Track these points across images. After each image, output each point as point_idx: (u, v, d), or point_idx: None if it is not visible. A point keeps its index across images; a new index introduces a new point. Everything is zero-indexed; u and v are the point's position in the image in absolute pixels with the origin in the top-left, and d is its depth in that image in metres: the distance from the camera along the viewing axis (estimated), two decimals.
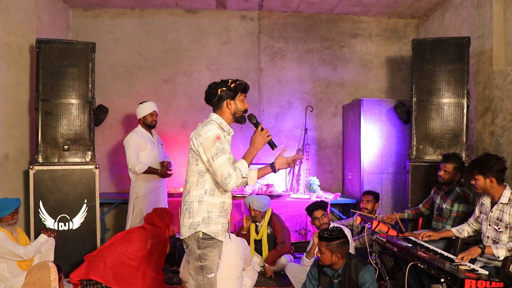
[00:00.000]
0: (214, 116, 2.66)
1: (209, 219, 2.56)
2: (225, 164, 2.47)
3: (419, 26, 6.44)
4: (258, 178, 2.83)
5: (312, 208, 4.14)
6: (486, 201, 3.26)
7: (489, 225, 3.17)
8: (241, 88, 2.66)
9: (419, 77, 4.65)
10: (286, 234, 4.61)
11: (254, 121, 2.72)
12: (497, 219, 3.11)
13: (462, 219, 3.74)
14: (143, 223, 4.26)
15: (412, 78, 4.69)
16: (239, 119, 2.70)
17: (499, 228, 3.08)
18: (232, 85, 2.64)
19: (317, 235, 3.84)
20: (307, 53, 6.34)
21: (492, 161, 3.16)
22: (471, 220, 3.46)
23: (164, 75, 6.14)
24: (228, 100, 2.64)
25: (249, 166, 2.60)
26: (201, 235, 2.54)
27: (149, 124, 4.76)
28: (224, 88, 2.63)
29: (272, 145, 2.71)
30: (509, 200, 3.08)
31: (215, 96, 2.65)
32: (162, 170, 4.74)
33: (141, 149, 4.68)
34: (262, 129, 2.66)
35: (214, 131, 2.51)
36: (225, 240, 2.78)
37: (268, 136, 2.65)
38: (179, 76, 6.15)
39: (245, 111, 2.71)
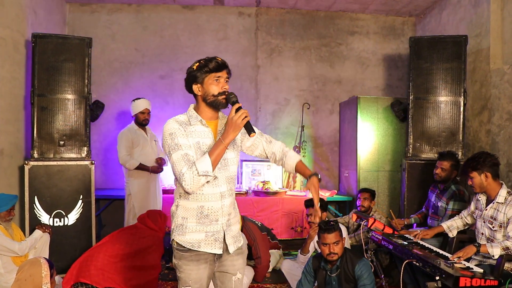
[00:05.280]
0: (190, 106, 2.28)
1: (183, 227, 2.16)
2: (178, 162, 2.07)
3: (417, 24, 6.44)
4: (296, 171, 2.37)
5: (306, 204, 4.20)
6: (482, 198, 3.27)
7: (484, 222, 3.19)
8: (207, 68, 2.15)
9: (416, 75, 4.64)
10: (260, 247, 4.24)
11: (232, 101, 2.15)
12: (491, 217, 3.12)
13: None
14: (136, 223, 4.25)
15: (409, 76, 4.68)
16: (213, 104, 2.18)
17: (493, 227, 3.09)
18: (195, 67, 2.19)
19: (316, 229, 3.92)
20: (305, 50, 6.33)
21: (484, 156, 3.19)
22: (465, 213, 3.48)
23: (160, 71, 6.11)
24: (196, 85, 2.19)
25: (217, 161, 2.09)
26: (175, 245, 2.19)
27: (140, 122, 4.78)
28: (190, 72, 2.21)
29: (249, 129, 2.10)
30: (505, 200, 3.09)
31: (185, 83, 2.24)
32: (153, 167, 4.75)
33: (133, 146, 4.71)
34: (238, 110, 2.08)
35: (166, 127, 2.16)
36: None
37: (244, 118, 2.07)
38: (176, 72, 6.13)
39: (221, 93, 2.16)
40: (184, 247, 2.15)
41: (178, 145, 2.10)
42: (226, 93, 2.16)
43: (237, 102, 2.12)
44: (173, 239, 2.19)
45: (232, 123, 2.06)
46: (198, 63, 2.18)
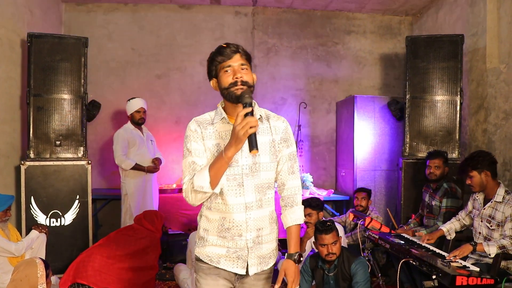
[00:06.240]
0: (219, 103, 1.98)
1: (203, 240, 1.93)
2: (184, 170, 1.87)
3: (413, 23, 6.45)
4: (286, 230, 2.03)
5: (303, 204, 4.17)
6: (479, 197, 3.28)
7: (481, 221, 3.19)
8: (216, 60, 1.85)
9: (413, 74, 4.65)
10: None
11: (244, 102, 1.72)
12: (489, 216, 3.13)
13: (452, 214, 3.76)
14: (133, 224, 4.24)
15: (406, 75, 4.69)
16: (228, 98, 1.84)
17: (491, 226, 3.10)
18: (209, 59, 1.91)
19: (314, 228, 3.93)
20: (301, 49, 6.33)
21: (482, 155, 3.20)
22: (463, 215, 3.48)
23: (157, 70, 6.10)
24: (212, 80, 1.92)
25: (218, 177, 1.77)
26: (195, 257, 1.99)
27: (136, 121, 4.78)
28: (207, 68, 1.94)
29: (251, 144, 1.66)
30: (503, 199, 3.10)
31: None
32: (149, 167, 4.75)
33: (129, 146, 4.71)
34: (247, 115, 1.66)
35: (186, 129, 1.93)
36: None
37: (250, 128, 1.63)
38: (172, 72, 6.12)
39: (232, 84, 1.81)
40: (201, 259, 1.93)
41: (188, 151, 1.87)
42: (240, 83, 1.80)
43: (249, 105, 1.69)
44: (194, 253, 1.99)
45: (234, 134, 1.66)
46: (211, 54, 1.90)
